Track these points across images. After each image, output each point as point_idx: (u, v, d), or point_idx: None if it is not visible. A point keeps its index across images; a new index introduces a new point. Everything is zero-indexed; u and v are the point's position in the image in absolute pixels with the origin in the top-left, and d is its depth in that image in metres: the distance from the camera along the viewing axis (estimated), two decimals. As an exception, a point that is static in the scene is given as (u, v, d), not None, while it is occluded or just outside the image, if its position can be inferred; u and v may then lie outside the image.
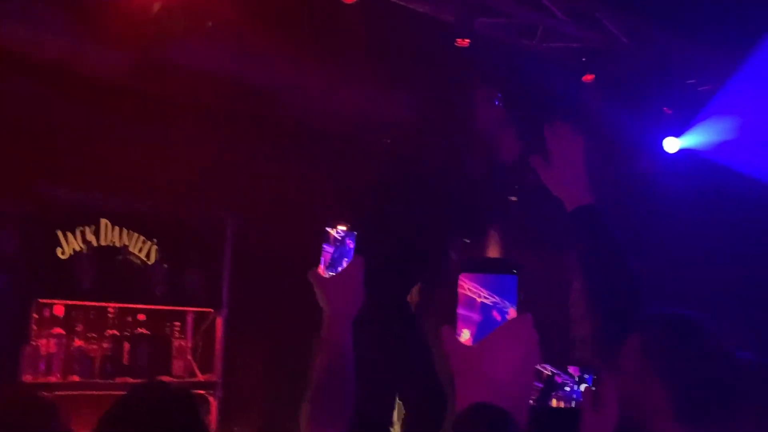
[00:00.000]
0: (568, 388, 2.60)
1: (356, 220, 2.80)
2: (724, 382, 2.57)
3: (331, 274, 2.74)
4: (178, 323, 6.26)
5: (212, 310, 6.32)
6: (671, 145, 8.01)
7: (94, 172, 5.83)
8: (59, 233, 5.74)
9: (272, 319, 6.48)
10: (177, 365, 6.20)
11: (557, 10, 6.62)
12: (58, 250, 5.74)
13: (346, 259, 2.75)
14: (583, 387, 2.58)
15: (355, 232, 2.76)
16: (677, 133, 7.96)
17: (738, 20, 6.48)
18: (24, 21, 5.25)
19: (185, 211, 6.25)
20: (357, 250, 2.76)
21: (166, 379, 6.00)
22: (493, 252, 7.85)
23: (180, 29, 5.30)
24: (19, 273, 5.49)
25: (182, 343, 6.24)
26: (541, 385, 2.59)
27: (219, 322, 6.29)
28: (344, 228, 2.74)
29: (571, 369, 2.64)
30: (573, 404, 2.59)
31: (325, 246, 2.75)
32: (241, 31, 5.56)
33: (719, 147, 7.68)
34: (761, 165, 7.41)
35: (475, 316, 1.72)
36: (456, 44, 6.35)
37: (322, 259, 2.75)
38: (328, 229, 2.74)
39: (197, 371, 6.27)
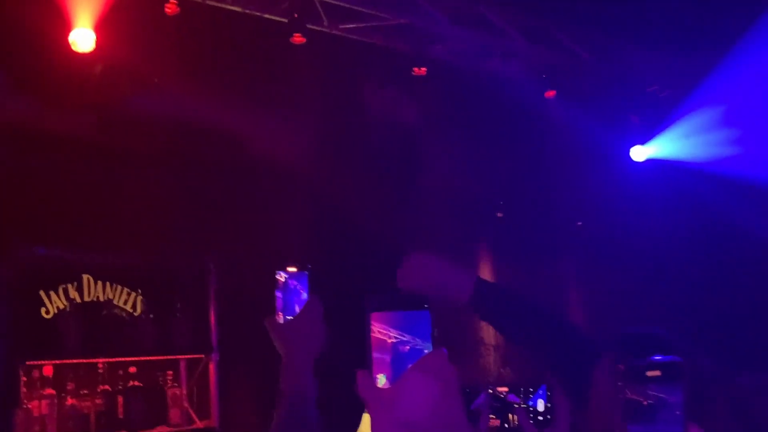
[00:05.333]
0: (524, 405, 2.61)
1: (308, 259, 2.47)
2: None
3: (288, 318, 2.39)
4: (170, 372, 5.82)
5: (203, 356, 5.87)
6: (638, 154, 7.68)
7: (72, 230, 5.46)
8: (42, 293, 5.33)
9: (265, 360, 6.05)
10: (174, 414, 5.77)
11: (514, 32, 6.31)
12: (42, 310, 5.33)
13: (296, 304, 2.41)
14: (540, 404, 2.56)
15: (307, 273, 2.42)
16: (643, 142, 7.63)
17: (696, 26, 6.21)
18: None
19: (166, 259, 5.87)
20: (312, 290, 2.42)
21: (164, 429, 5.63)
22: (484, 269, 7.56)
23: (127, 88, 4.97)
24: (4, 336, 5.06)
25: (177, 392, 5.81)
26: (498, 405, 2.62)
27: (211, 367, 5.86)
28: (293, 269, 2.41)
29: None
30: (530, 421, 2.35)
31: (277, 292, 2.40)
32: (186, 82, 5.26)
33: (685, 153, 7.37)
34: (729, 169, 7.08)
35: (388, 358, 1.60)
36: (413, 73, 6.07)
37: (276, 305, 2.41)
38: (277, 274, 2.40)
39: (195, 418, 5.82)
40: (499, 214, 7.49)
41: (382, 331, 1.60)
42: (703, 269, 7.13)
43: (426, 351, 1.60)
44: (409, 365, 1.57)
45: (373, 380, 1.60)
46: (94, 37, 4.78)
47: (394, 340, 1.60)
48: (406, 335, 1.61)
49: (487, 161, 6.80)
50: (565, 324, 2.90)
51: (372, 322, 1.60)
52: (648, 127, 7.53)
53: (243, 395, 6.19)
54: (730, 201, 6.98)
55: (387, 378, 1.60)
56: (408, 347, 1.60)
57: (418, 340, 1.60)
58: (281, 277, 2.40)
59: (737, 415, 2.54)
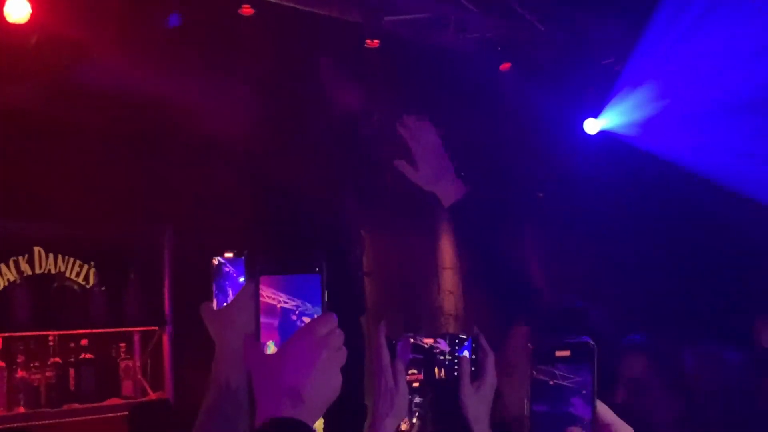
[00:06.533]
0: (449, 358, 2.46)
1: (247, 241, 2.34)
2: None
3: (223, 305, 2.26)
4: (123, 344, 5.71)
5: (157, 328, 5.77)
6: (592, 126, 7.61)
7: (23, 202, 5.31)
8: (-9, 266, 5.21)
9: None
10: (126, 386, 5.68)
11: (468, 2, 6.19)
12: (-9, 283, 5.21)
13: (231, 289, 2.28)
14: (463, 354, 2.44)
15: (243, 258, 2.30)
16: (596, 114, 7.57)
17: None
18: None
19: (119, 232, 5.71)
20: (249, 275, 2.29)
21: (116, 401, 5.53)
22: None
23: (68, 59, 4.83)
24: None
25: (129, 364, 5.71)
26: (420, 357, 2.44)
27: (165, 339, 5.75)
28: (230, 255, 2.28)
29: (440, 341, 2.50)
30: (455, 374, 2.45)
31: (213, 277, 2.28)
32: (131, 53, 5.10)
33: (636, 125, 7.32)
34: (678, 142, 7.05)
35: (276, 323, 1.56)
36: (366, 46, 5.94)
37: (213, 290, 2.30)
38: (213, 259, 2.28)
39: (149, 390, 5.72)
40: (540, 194, 7.48)
41: (271, 296, 1.56)
42: (655, 242, 7.11)
43: (315, 316, 1.56)
44: (295, 330, 1.54)
45: (261, 346, 1.56)
46: (29, 8, 4.61)
47: (283, 305, 1.56)
48: (295, 299, 1.56)
49: (442, 134, 6.72)
50: (520, 273, 2.94)
51: (261, 287, 1.56)
52: (601, 100, 7.47)
53: (196, 367, 6.07)
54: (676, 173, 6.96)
55: (275, 344, 1.56)
56: (297, 312, 1.56)
57: (308, 304, 1.56)
58: (215, 260, 2.28)
59: (678, 390, 2.51)
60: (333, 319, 1.56)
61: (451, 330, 7.41)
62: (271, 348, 1.56)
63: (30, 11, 4.59)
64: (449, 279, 7.51)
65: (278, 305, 1.56)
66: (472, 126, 7.00)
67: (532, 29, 6.67)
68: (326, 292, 1.56)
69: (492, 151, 7.31)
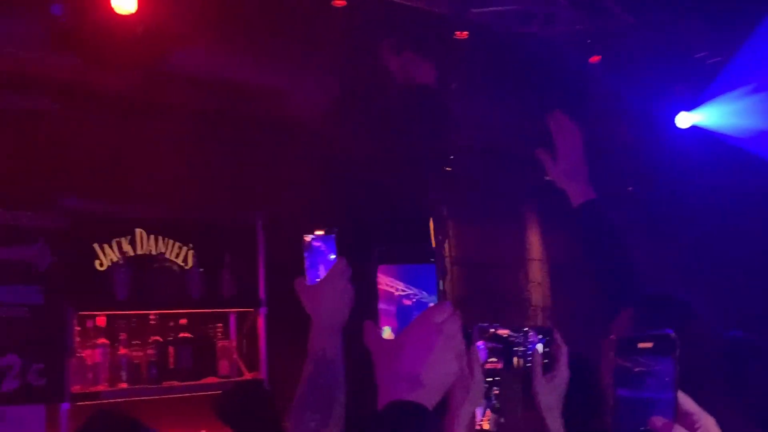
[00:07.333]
0: (523, 349, 2.53)
1: (336, 220, 2.49)
2: (705, 357, 2.34)
3: (317, 281, 2.41)
4: (220, 324, 5.85)
5: (252, 310, 5.89)
6: (683, 120, 7.52)
7: (125, 186, 5.51)
8: (95, 246, 5.39)
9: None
10: (222, 365, 5.79)
11: (559, -4, 6.17)
12: (96, 263, 5.38)
13: (322, 265, 2.41)
14: (537, 346, 2.52)
15: (333, 235, 2.42)
16: (689, 109, 7.47)
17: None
18: (31, 47, 4.92)
19: (215, 213, 5.85)
20: (340, 252, 2.42)
21: (213, 379, 5.66)
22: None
23: (168, 47, 4.97)
24: (58, 287, 5.12)
25: (226, 344, 5.83)
26: (499, 346, 2.51)
27: (260, 320, 5.86)
28: (320, 232, 2.41)
29: (516, 331, 2.58)
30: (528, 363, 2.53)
31: (305, 254, 2.42)
32: (227, 41, 5.26)
33: (732, 122, 7.21)
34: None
35: (394, 310, 1.63)
36: (454, 37, 5.96)
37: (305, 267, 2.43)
38: (305, 236, 2.42)
39: (244, 370, 5.85)
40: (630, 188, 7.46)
41: (389, 284, 1.62)
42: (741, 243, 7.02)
43: (431, 304, 1.62)
44: (414, 317, 1.61)
45: (379, 331, 1.63)
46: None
47: (400, 293, 1.62)
48: (412, 288, 1.62)
49: (529, 124, 6.71)
50: (632, 270, 3.02)
51: (379, 275, 1.62)
52: (694, 95, 7.37)
53: (290, 348, 6.18)
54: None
55: (392, 330, 1.63)
56: (413, 300, 1.62)
57: (424, 293, 1.62)
58: (307, 237, 2.41)
59: (731, 378, 2.50)
60: (448, 308, 1.61)
61: (537, 321, 7.41)
62: (386, 333, 1.62)
63: (136, 3, 4.75)
64: (537, 270, 7.51)
65: (396, 293, 1.62)
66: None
67: (621, 21, 6.61)
68: (441, 281, 1.63)
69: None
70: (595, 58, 6.76)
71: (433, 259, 1.62)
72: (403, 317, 1.62)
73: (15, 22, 4.73)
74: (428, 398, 1.55)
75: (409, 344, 1.58)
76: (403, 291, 1.62)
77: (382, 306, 1.63)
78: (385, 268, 1.62)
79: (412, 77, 5.07)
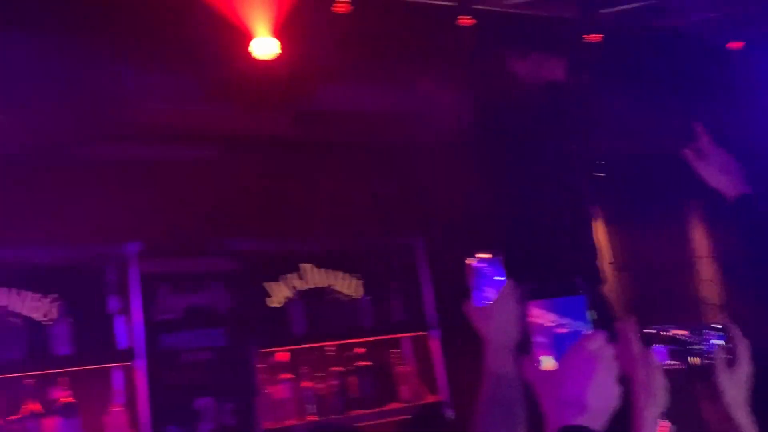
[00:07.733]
0: (700, 347, 2.46)
1: (500, 244, 2.57)
2: None
3: (487, 303, 2.51)
4: (395, 350, 5.95)
5: (424, 333, 5.96)
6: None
7: (286, 223, 5.72)
8: (267, 285, 5.62)
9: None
10: (404, 390, 5.87)
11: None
12: (269, 300, 5.60)
13: (489, 288, 2.50)
14: (717, 343, 2.45)
15: (499, 258, 2.51)
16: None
17: None
18: (187, 100, 5.23)
19: (377, 243, 6.02)
20: (508, 274, 2.51)
21: (396, 405, 5.74)
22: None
23: (312, 86, 5.22)
24: (240, 328, 5.32)
25: (404, 369, 5.91)
26: (676, 347, 2.45)
27: (433, 343, 5.92)
28: (484, 256, 2.50)
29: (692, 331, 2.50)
30: (708, 361, 2.44)
31: (471, 277, 2.53)
32: (363, 73, 5.48)
33: None
34: None
35: (549, 342, 1.74)
36: (584, 40, 5.99)
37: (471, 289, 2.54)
38: (468, 260, 2.52)
39: (426, 393, 5.91)
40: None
41: (540, 317, 1.74)
42: None
43: (584, 332, 1.73)
44: (568, 347, 1.72)
45: (536, 363, 1.76)
46: (278, 43, 5.02)
47: (552, 324, 1.73)
48: (563, 318, 1.73)
49: (676, 121, 6.62)
50: None
51: (531, 309, 1.75)
52: None
53: (466, 369, 6.20)
54: None
55: (550, 360, 1.74)
56: (566, 330, 1.73)
57: (576, 323, 1.74)
58: (471, 261, 2.50)
59: None
60: (602, 336, 1.73)
61: (713, 318, 7.19)
62: (544, 363, 1.74)
63: (278, 48, 5.00)
64: (707, 268, 7.33)
65: (548, 324, 1.73)
66: (703, 108, 6.85)
67: (760, 4, 6.47)
68: (593, 311, 1.75)
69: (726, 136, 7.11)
70: (735, 44, 6.61)
71: (581, 291, 1.73)
72: (558, 347, 1.72)
73: (171, 77, 5.05)
74: (595, 421, 1.67)
75: (569, 372, 1.70)
76: (555, 322, 1.72)
77: (536, 338, 1.75)
78: (536, 302, 1.75)
79: (541, 77, 5.13)
